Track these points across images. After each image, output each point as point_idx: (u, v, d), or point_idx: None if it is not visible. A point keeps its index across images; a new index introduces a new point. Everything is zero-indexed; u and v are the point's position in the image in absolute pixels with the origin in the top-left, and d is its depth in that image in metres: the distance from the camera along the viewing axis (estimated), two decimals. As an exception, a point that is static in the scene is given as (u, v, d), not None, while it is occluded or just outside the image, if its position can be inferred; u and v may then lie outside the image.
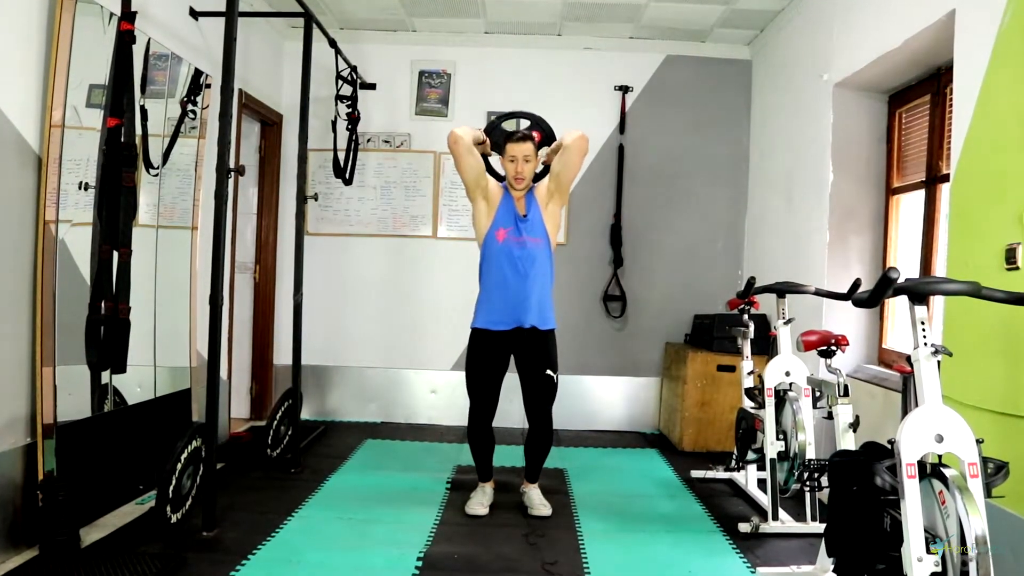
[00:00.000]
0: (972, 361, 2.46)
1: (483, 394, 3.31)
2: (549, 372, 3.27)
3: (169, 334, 3.49)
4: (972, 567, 1.70)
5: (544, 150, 3.37)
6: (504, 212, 3.26)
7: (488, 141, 3.33)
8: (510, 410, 3.95)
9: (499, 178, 3.40)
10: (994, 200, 2.44)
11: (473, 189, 3.27)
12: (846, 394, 2.83)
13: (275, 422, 3.95)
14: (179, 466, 2.88)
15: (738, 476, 3.82)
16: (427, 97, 5.18)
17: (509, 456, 4.14)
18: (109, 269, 2.86)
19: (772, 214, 4.68)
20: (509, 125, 3.46)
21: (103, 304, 2.82)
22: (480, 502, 3.34)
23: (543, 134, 3.37)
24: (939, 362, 1.89)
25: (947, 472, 1.81)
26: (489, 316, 3.26)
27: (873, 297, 1.97)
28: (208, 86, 3.71)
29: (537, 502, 3.34)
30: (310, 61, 3.95)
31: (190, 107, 3.58)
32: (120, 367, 2.93)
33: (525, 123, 3.43)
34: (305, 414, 5.08)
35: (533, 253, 3.22)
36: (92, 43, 2.83)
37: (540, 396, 3.29)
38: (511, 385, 3.38)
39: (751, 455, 3.50)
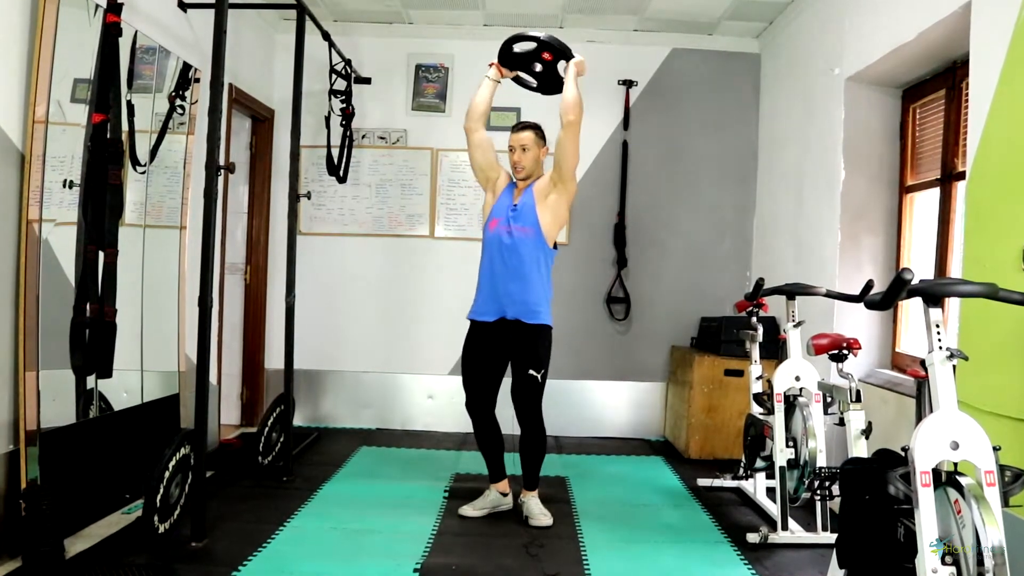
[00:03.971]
0: (989, 365, 2.43)
1: (472, 384, 3.34)
2: (532, 372, 3.23)
3: (156, 337, 3.46)
4: (988, 578, 1.68)
5: (560, 64, 3.32)
6: (501, 203, 3.33)
7: (502, 70, 3.34)
8: (507, 415, 3.87)
9: (528, 87, 3.44)
10: (1012, 198, 2.42)
11: (483, 182, 3.42)
12: (858, 399, 2.82)
13: (267, 428, 3.91)
14: (167, 474, 2.84)
15: (746, 484, 3.78)
16: (424, 92, 5.10)
17: (507, 463, 4.06)
18: (94, 270, 2.84)
19: (781, 213, 4.63)
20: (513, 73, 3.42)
21: (88, 306, 2.81)
22: (475, 505, 3.33)
23: (554, 53, 3.29)
24: (954, 366, 1.86)
25: (963, 480, 1.79)
26: (476, 306, 3.34)
27: (886, 299, 1.95)
28: (197, 80, 3.69)
29: (536, 511, 3.28)
30: (303, 55, 3.91)
31: (178, 102, 3.56)
32: (106, 372, 2.91)
33: (532, 45, 3.32)
34: (297, 420, 5.00)
35: (519, 242, 3.21)
36: (77, 36, 2.80)
37: (523, 395, 3.26)
38: (509, 389, 3.32)
39: (760, 463, 3.47)
